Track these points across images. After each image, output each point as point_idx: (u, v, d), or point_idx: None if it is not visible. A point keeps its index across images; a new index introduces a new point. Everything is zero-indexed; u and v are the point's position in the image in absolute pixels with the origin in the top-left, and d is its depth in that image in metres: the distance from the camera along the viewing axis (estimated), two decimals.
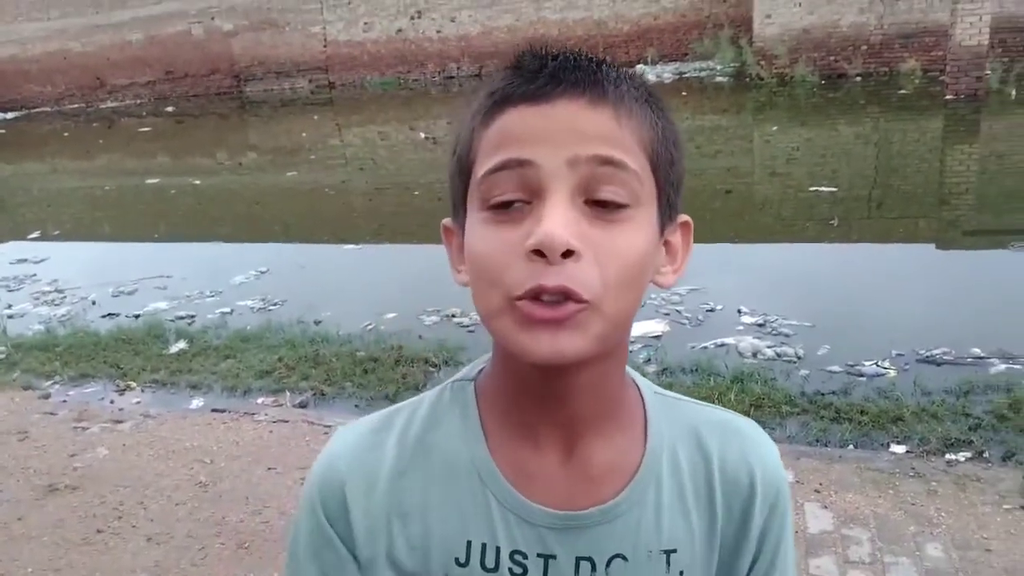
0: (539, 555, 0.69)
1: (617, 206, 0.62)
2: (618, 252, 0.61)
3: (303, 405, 4.22)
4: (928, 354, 4.12)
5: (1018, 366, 3.90)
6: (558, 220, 0.59)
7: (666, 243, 0.70)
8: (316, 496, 0.72)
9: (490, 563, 0.69)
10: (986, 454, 3.21)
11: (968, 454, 3.21)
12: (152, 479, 3.54)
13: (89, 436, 4.03)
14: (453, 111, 16.08)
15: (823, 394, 3.80)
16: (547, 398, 0.68)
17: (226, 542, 3.02)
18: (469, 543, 0.69)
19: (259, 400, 4.33)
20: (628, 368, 0.74)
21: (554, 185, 0.60)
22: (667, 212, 0.68)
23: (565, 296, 0.59)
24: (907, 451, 3.28)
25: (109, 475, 3.61)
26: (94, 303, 6.40)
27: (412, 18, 19.20)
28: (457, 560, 0.70)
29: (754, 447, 0.75)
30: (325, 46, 20.02)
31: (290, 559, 0.74)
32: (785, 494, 0.75)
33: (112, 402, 4.49)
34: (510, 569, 0.69)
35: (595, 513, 0.69)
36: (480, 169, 0.63)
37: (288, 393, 4.33)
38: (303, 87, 20.23)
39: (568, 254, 0.59)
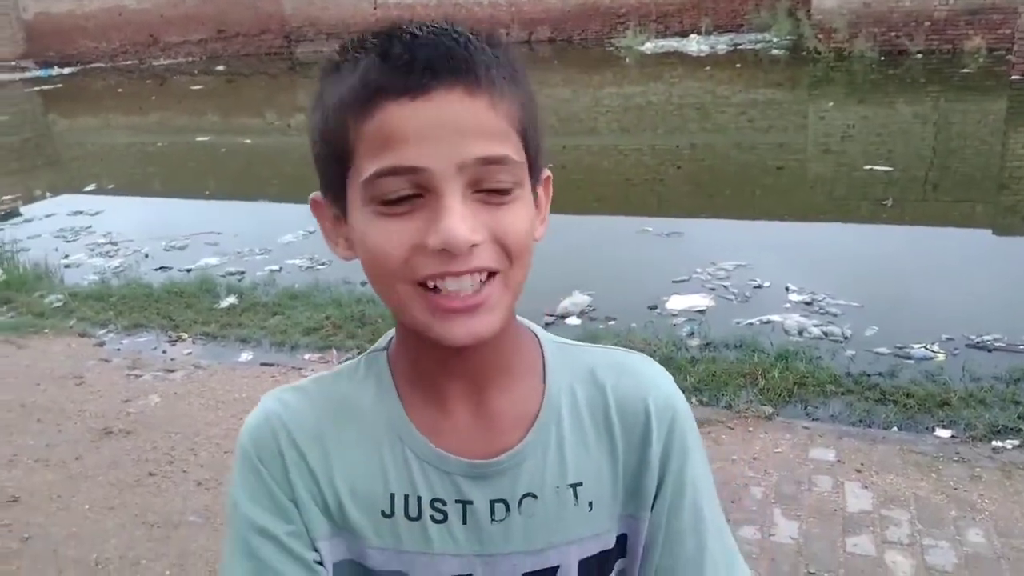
0: (457, 501, 0.74)
1: (503, 189, 0.65)
2: (512, 230, 0.66)
3: None
4: (979, 339, 4.05)
5: None
6: (457, 218, 0.62)
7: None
8: (250, 447, 0.75)
9: (413, 512, 0.74)
10: None
11: (1016, 442, 3.16)
12: (202, 427, 3.65)
13: (142, 383, 4.17)
14: None
15: (869, 375, 3.76)
16: (452, 364, 0.73)
17: None
18: (392, 495, 0.74)
19: (306, 356, 4.42)
20: (528, 321, 0.81)
21: (446, 185, 0.62)
22: (535, 174, 0.71)
23: (470, 276, 0.64)
24: (952, 436, 3.24)
25: (161, 422, 3.74)
26: (147, 256, 6.57)
27: None
28: (383, 512, 0.75)
29: (645, 378, 0.79)
30: (375, 8, 19.98)
31: (231, 510, 0.77)
32: (682, 417, 0.78)
33: (164, 352, 4.63)
34: (431, 516, 0.74)
35: (504, 459, 0.74)
36: (366, 168, 0.63)
37: (335, 351, 4.41)
38: None
39: (472, 247, 0.63)
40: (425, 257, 0.63)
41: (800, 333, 4.24)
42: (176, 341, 4.76)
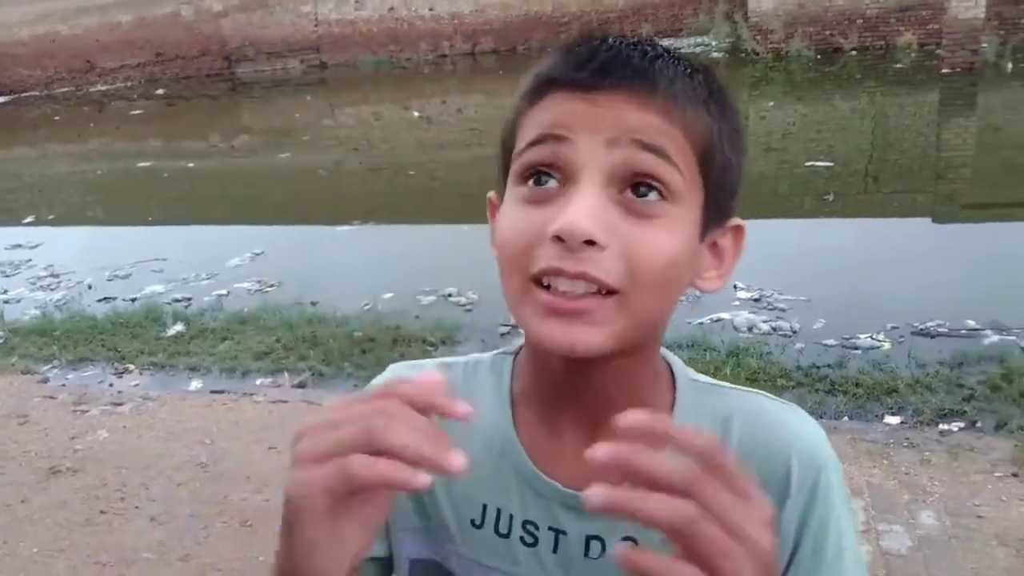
0: (550, 528, 0.70)
1: (653, 198, 0.60)
2: (649, 249, 0.59)
3: (302, 385, 4.24)
4: (923, 327, 4.15)
5: (1011, 337, 3.94)
6: (584, 208, 0.58)
7: (713, 245, 0.68)
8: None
9: (503, 528, 0.71)
10: (979, 424, 3.25)
11: (961, 424, 3.24)
12: (153, 460, 3.56)
13: (89, 419, 4.06)
14: (447, 89, 15.98)
15: (818, 367, 3.83)
16: (567, 390, 0.68)
17: (229, 520, 3.05)
18: (484, 506, 0.72)
19: (258, 381, 4.35)
20: (666, 352, 0.73)
21: (588, 167, 0.59)
22: (715, 216, 0.66)
23: (585, 282, 0.58)
24: (901, 422, 3.31)
25: (110, 457, 3.64)
26: (90, 287, 6.40)
27: None
28: (473, 521, 0.72)
29: (787, 428, 0.70)
30: (316, 26, 19.86)
31: None
32: (828, 478, 0.69)
33: (111, 385, 4.51)
34: (522, 537, 0.71)
35: None
36: (518, 145, 0.64)
37: (287, 374, 4.35)
38: (295, 68, 20.10)
39: (590, 243, 0.57)
40: (543, 248, 0.59)
41: (750, 329, 4.31)
42: (123, 373, 4.65)
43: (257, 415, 3.89)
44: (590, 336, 0.59)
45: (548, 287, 0.59)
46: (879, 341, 4.05)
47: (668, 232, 0.60)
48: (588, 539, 0.69)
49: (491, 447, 0.71)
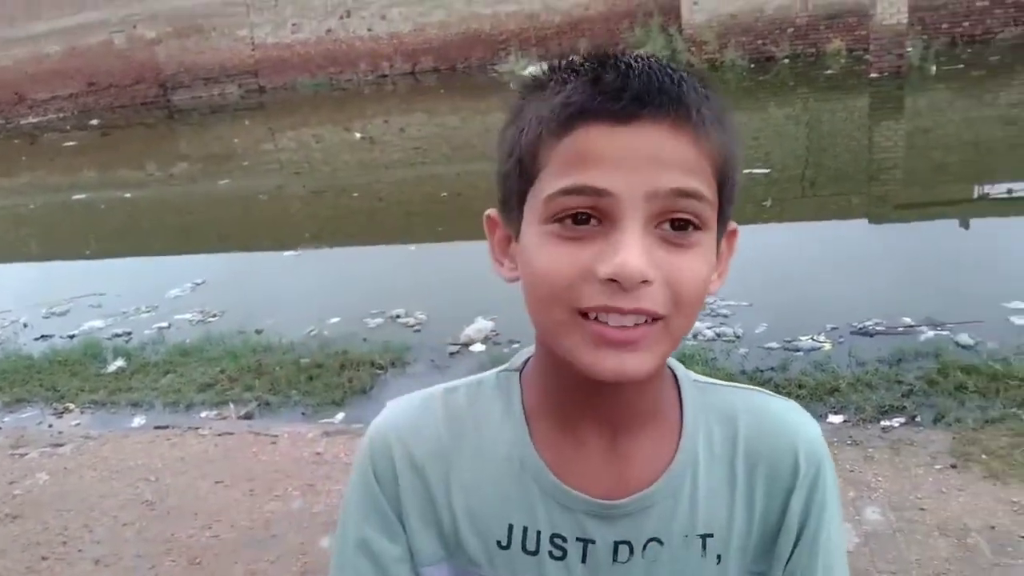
0: (578, 539, 0.71)
1: (688, 231, 0.63)
2: (687, 277, 0.63)
3: (248, 416, 4.16)
4: (861, 326, 4.25)
5: (945, 332, 4.05)
6: (634, 252, 0.60)
7: None
8: (367, 458, 0.75)
9: (531, 546, 0.72)
10: (918, 418, 3.33)
11: (901, 419, 3.32)
12: (96, 501, 3.45)
13: (28, 462, 3.92)
14: (388, 109, 15.94)
15: (762, 371, 3.89)
16: (592, 401, 0.70)
17: (177, 559, 2.97)
18: (510, 526, 0.72)
19: (203, 414, 4.25)
20: (669, 359, 0.76)
21: (630, 214, 0.61)
22: (722, 225, 0.69)
23: (639, 316, 0.61)
24: (844, 420, 3.38)
25: (51, 500, 3.52)
26: (26, 325, 6.21)
27: (341, 17, 18.99)
28: (499, 543, 0.72)
29: (791, 424, 0.75)
30: (253, 49, 19.68)
31: (342, 519, 0.76)
32: (826, 472, 0.75)
33: (50, 426, 4.36)
34: (550, 552, 0.72)
35: (631, 501, 0.71)
36: (550, 185, 0.62)
37: (232, 405, 4.26)
38: (232, 92, 19.86)
39: (643, 282, 0.61)
40: (591, 286, 0.61)
41: (694, 336, 4.35)
42: (63, 413, 4.51)
43: (203, 449, 3.80)
44: (640, 363, 0.63)
45: (595, 319, 0.62)
46: (820, 342, 4.14)
47: (701, 257, 0.64)
48: (616, 544, 0.71)
49: (510, 465, 0.72)
